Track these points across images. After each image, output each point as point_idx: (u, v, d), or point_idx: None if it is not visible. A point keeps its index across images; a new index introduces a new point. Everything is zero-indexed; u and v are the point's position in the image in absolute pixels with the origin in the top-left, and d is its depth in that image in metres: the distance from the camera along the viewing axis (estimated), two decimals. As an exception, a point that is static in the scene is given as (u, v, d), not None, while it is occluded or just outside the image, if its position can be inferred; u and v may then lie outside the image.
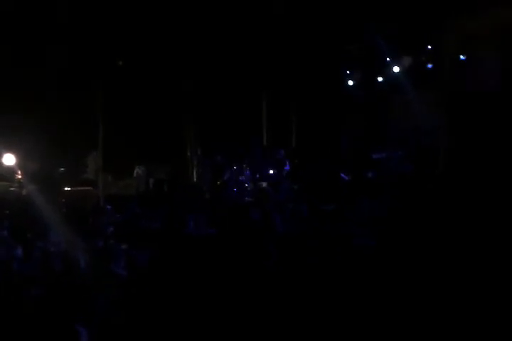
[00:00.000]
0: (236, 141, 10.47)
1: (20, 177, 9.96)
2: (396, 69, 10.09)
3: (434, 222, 5.24)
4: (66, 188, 10.16)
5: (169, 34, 9.10)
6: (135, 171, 10.82)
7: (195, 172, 10.96)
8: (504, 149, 6.79)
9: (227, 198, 8.78)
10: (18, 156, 10.06)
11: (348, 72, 11.17)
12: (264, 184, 9.60)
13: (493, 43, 7.75)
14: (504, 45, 7.42)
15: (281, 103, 11.33)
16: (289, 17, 8.97)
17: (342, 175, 8.03)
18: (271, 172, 9.35)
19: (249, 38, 9.38)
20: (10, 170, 10.07)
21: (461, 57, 9.01)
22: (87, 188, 10.28)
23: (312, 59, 10.18)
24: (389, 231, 5.52)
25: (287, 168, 9.12)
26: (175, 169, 10.71)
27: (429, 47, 9.70)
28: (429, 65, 9.73)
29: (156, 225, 7.68)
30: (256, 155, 9.98)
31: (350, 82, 11.16)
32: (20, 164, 10.10)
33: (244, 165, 9.90)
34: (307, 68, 10.41)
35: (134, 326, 4.80)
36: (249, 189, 9.53)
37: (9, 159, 9.97)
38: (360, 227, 6.15)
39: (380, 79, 10.68)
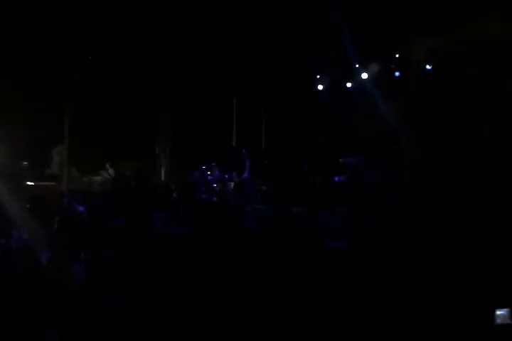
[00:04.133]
0: (206, 141, 10.49)
1: (-20, 170, 9.66)
2: (364, 75, 10.31)
3: (402, 225, 5.42)
4: (29, 183, 9.93)
5: (142, 32, 9.03)
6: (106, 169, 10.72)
7: (162, 171, 10.91)
8: (467, 156, 7.07)
9: (195, 197, 8.78)
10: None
11: (318, 76, 11.35)
12: (232, 184, 9.65)
13: (458, 56, 8.05)
14: (469, 59, 7.72)
15: (252, 104, 11.42)
16: (262, 21, 9.06)
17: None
18: (236, 172, 9.41)
19: (222, 40, 9.42)
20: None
21: (428, 67, 9.33)
22: (50, 183, 10.07)
23: (283, 62, 10.29)
24: (360, 235, 5.66)
25: (248, 168, 9.21)
26: (142, 167, 10.64)
27: (397, 55, 9.97)
28: (397, 73, 10.01)
29: (121, 223, 7.59)
30: (226, 156, 10.03)
31: (320, 87, 11.34)
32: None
33: (213, 165, 9.91)
34: (278, 71, 10.52)
35: (100, 323, 4.75)
36: (217, 189, 9.55)
37: (-31, 152, 9.66)
38: (329, 230, 6.30)
39: (348, 84, 10.90)
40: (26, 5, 8.44)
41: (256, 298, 5.21)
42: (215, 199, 9.05)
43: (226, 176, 9.60)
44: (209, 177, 9.79)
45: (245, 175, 9.10)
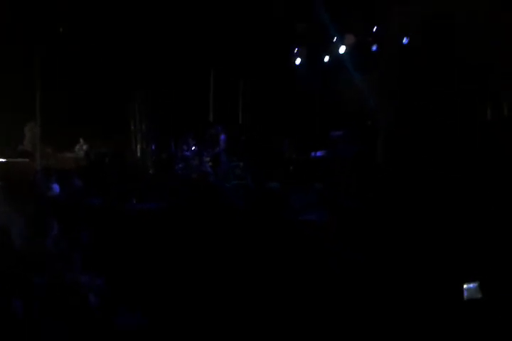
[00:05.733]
0: (182, 116, 10.37)
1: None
2: (342, 49, 10.20)
3: (378, 201, 5.48)
4: (1, 160, 9.72)
5: (114, 7, 8.76)
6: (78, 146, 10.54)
7: (138, 147, 10.79)
8: (443, 134, 7.13)
9: (172, 174, 8.73)
10: None
11: (296, 49, 11.20)
12: (209, 160, 9.61)
13: (436, 29, 8.00)
14: (445, 33, 7.69)
15: (229, 79, 11.27)
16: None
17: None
18: (211, 147, 9.39)
19: (197, 15, 9.22)
20: None
21: (404, 40, 9.25)
22: (23, 160, 9.88)
23: (259, 35, 10.13)
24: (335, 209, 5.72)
25: (223, 143, 9.19)
26: (118, 143, 10.50)
27: (375, 28, 9.86)
28: (374, 47, 9.92)
29: (97, 200, 7.53)
30: (202, 131, 9.95)
31: (298, 60, 11.20)
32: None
33: (190, 140, 9.83)
34: (255, 44, 10.37)
35: (73, 300, 4.75)
36: (194, 164, 9.50)
37: None
38: (306, 205, 6.34)
39: (326, 58, 10.78)
40: None
41: (239, 273, 5.25)
42: (192, 174, 9.02)
43: (204, 153, 9.55)
44: (186, 153, 9.72)
45: (219, 149, 9.06)
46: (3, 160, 9.77)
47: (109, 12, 9.06)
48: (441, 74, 8.26)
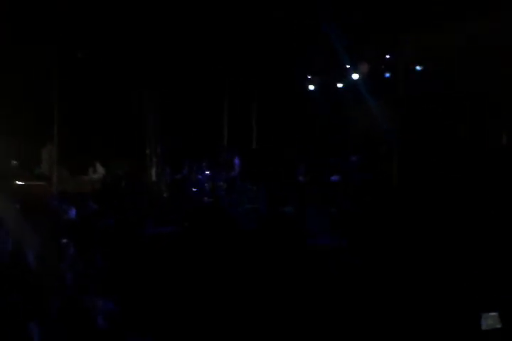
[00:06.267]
0: (196, 140, 10.48)
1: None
2: (355, 76, 10.34)
3: (392, 224, 5.47)
4: (19, 183, 9.86)
5: (130, 28, 8.97)
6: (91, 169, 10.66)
7: (153, 171, 10.88)
8: (454, 158, 7.16)
9: (186, 198, 8.78)
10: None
11: (309, 76, 11.37)
12: (222, 184, 9.66)
13: (447, 57, 8.12)
14: (458, 60, 7.78)
15: (243, 103, 11.42)
16: (253, 19, 9.06)
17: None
18: (226, 172, 9.45)
19: (211, 38, 9.40)
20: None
21: (418, 67, 9.38)
22: (41, 183, 10.00)
23: (274, 62, 10.31)
24: (349, 233, 5.71)
25: (237, 167, 9.26)
26: (133, 166, 10.60)
27: (388, 56, 10.02)
28: (387, 74, 10.05)
29: (112, 223, 7.58)
30: (216, 155, 10.04)
31: (311, 87, 11.36)
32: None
33: (203, 164, 9.91)
34: (269, 70, 10.54)
35: (87, 323, 4.74)
36: (207, 189, 9.56)
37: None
38: (319, 229, 6.34)
39: (339, 85, 10.92)
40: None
41: (250, 295, 5.23)
42: (205, 198, 9.07)
43: (217, 176, 9.61)
44: (199, 177, 9.79)
45: (234, 173, 9.13)
46: (21, 183, 9.91)
47: (125, 38, 9.28)
48: (452, 100, 8.33)
